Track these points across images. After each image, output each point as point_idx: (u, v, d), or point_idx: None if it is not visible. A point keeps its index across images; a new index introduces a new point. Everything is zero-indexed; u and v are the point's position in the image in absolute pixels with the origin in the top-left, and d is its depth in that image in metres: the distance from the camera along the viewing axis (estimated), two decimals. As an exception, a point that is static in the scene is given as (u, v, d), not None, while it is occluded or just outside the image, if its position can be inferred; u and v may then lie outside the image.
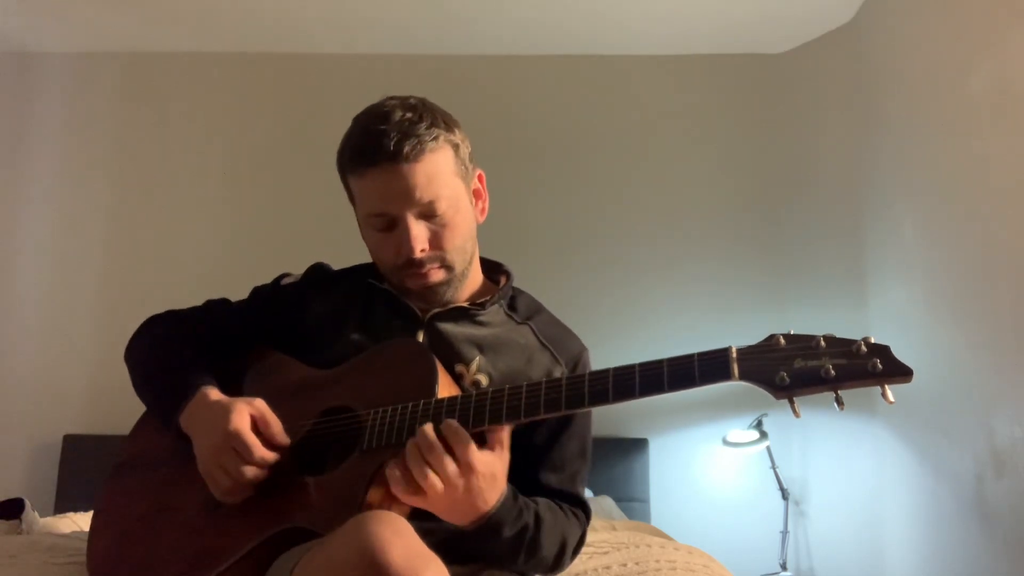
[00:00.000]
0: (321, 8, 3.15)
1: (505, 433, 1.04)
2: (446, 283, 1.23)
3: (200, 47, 3.44)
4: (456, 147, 1.21)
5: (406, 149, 1.14)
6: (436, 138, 1.17)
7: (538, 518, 1.12)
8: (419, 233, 1.17)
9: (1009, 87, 2.10)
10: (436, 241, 1.19)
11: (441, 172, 1.18)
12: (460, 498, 1.00)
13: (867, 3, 3.00)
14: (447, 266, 1.22)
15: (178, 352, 1.27)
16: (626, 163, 3.37)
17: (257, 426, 1.10)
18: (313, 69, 3.46)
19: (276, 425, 1.12)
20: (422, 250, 1.18)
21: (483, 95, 3.37)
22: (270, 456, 1.09)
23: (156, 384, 1.26)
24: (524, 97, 3.43)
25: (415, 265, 1.19)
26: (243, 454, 1.07)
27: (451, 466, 0.97)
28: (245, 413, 1.10)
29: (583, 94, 3.43)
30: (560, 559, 1.18)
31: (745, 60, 3.39)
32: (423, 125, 1.16)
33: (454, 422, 0.99)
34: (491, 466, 1.01)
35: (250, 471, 1.07)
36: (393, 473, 0.98)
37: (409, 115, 1.17)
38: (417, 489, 0.98)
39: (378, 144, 1.15)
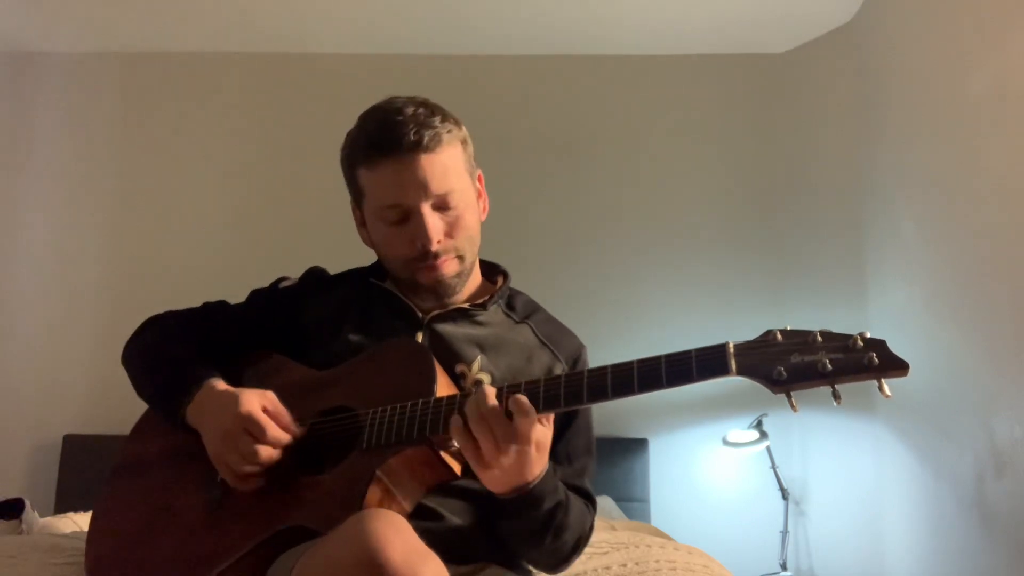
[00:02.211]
0: (321, 8, 3.15)
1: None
2: (458, 275, 1.24)
3: (200, 47, 3.43)
4: (465, 143, 1.25)
5: (425, 139, 1.16)
6: (450, 132, 1.20)
7: (567, 498, 1.13)
8: (435, 224, 1.19)
9: (1009, 87, 2.10)
10: (450, 232, 1.21)
11: (454, 165, 1.21)
12: (511, 463, 1.00)
13: (867, 3, 2.99)
14: (460, 256, 1.23)
15: (180, 348, 1.27)
16: (625, 163, 3.36)
17: (268, 414, 1.11)
18: (313, 69, 3.45)
19: (286, 415, 1.13)
20: (438, 241, 1.19)
21: (483, 95, 3.37)
22: (284, 437, 1.10)
23: (160, 379, 1.26)
24: (524, 97, 3.43)
25: (430, 257, 1.20)
26: (257, 435, 1.08)
27: (508, 431, 0.98)
28: (256, 399, 1.11)
29: (583, 94, 3.43)
30: (576, 549, 1.19)
31: (745, 60, 3.39)
32: (437, 119, 1.19)
33: (525, 400, 0.98)
34: (541, 435, 1.02)
35: (264, 452, 1.08)
36: (457, 421, 1.00)
37: (422, 110, 1.19)
38: (473, 443, 0.99)
39: (397, 135, 1.16)
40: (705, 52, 3.38)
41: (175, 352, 1.27)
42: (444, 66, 3.39)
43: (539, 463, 1.04)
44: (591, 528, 1.22)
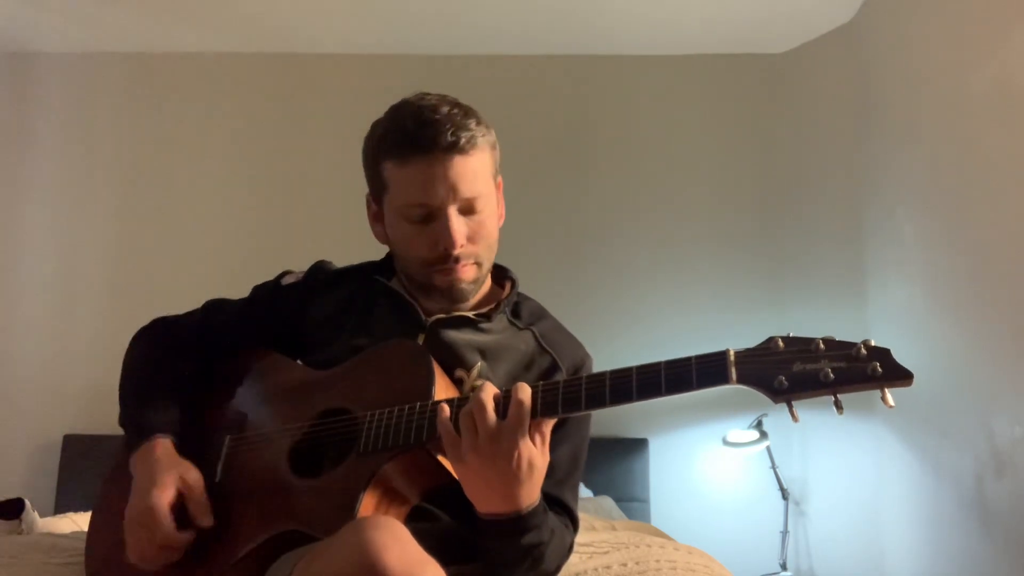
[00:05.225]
0: (321, 8, 3.15)
1: (547, 427, 1.01)
2: (474, 281, 1.22)
3: (201, 47, 3.43)
4: (494, 148, 1.23)
5: (462, 141, 1.14)
6: (484, 136, 1.18)
7: (552, 533, 1.10)
8: (460, 227, 1.16)
9: (1009, 87, 2.10)
10: (472, 237, 1.19)
11: (483, 170, 1.19)
12: (493, 473, 0.98)
13: (867, 3, 2.99)
14: (478, 263, 1.21)
15: (159, 377, 1.26)
16: (625, 163, 3.36)
17: (184, 497, 1.11)
18: (313, 69, 3.45)
19: (199, 505, 1.11)
20: (461, 245, 1.17)
21: (483, 95, 3.29)
22: (176, 540, 1.09)
23: (126, 409, 1.26)
24: (524, 97, 3.42)
25: (451, 260, 1.18)
26: (151, 532, 1.08)
27: (493, 430, 0.97)
28: (171, 488, 1.10)
29: (583, 94, 3.43)
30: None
31: (745, 60, 3.39)
32: (472, 121, 1.17)
33: (526, 403, 0.98)
34: (529, 451, 0.98)
35: (156, 549, 1.08)
36: (444, 422, 0.99)
37: (457, 111, 1.17)
38: (457, 444, 0.98)
39: (433, 133, 1.14)
40: (705, 52, 3.38)
41: (150, 384, 1.26)
42: (444, 66, 3.39)
43: (527, 487, 1.00)
44: (570, 548, 1.18)
